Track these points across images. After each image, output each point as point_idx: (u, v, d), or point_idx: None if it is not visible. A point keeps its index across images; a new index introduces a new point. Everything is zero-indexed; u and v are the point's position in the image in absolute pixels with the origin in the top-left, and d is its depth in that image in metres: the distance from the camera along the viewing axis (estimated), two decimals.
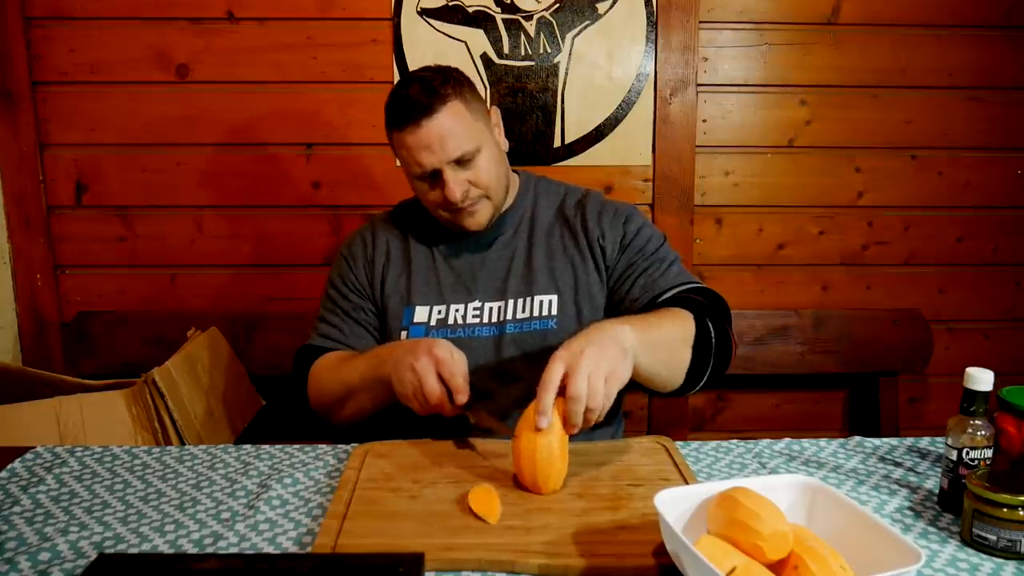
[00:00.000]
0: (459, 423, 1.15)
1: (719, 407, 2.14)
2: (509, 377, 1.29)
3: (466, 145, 1.23)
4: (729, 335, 1.23)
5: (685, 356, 1.16)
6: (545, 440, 0.98)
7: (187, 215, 1.98)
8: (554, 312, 1.30)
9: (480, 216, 1.30)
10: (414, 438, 1.18)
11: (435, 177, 1.25)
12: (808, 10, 1.95)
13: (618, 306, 1.32)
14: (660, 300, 1.24)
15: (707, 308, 1.21)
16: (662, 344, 1.12)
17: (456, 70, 1.29)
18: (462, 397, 1.08)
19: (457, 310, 1.32)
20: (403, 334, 1.31)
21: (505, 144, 1.34)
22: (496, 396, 1.29)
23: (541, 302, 1.30)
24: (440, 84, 1.23)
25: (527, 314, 1.30)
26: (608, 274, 1.34)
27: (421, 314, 1.32)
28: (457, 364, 1.09)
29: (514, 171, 1.41)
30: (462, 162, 1.24)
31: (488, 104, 1.74)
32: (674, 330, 1.15)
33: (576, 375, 0.96)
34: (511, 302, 1.31)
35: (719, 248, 2.05)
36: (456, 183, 1.24)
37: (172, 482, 1.07)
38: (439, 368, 1.07)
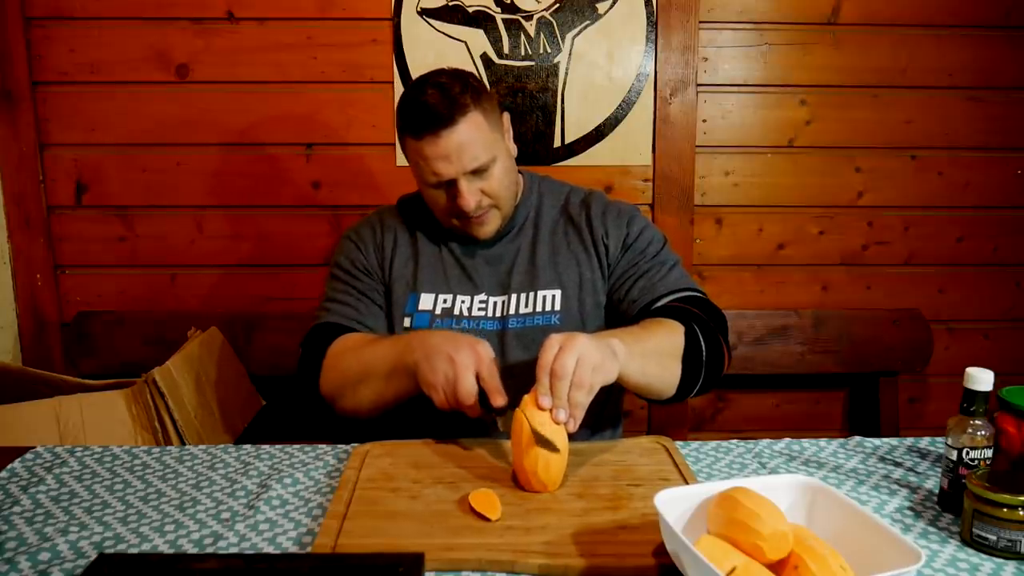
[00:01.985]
0: (477, 424, 1.13)
1: (719, 407, 2.14)
2: (511, 372, 1.28)
3: (483, 156, 1.23)
4: (722, 347, 1.23)
5: (675, 368, 1.17)
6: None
7: (187, 215, 1.98)
8: (557, 307, 1.30)
9: (489, 226, 1.31)
10: (414, 438, 1.18)
11: (449, 186, 1.25)
12: (808, 10, 1.95)
13: (617, 306, 1.32)
14: (655, 307, 1.25)
15: (699, 320, 1.21)
16: (651, 355, 1.13)
17: (472, 76, 1.28)
18: (501, 400, 1.06)
19: (463, 301, 1.32)
20: (407, 320, 1.31)
21: (514, 149, 1.34)
22: None
23: (544, 297, 1.31)
24: (459, 93, 1.21)
25: (530, 309, 1.30)
26: (609, 272, 1.34)
27: (426, 301, 1.31)
28: (495, 366, 1.08)
29: (518, 171, 1.41)
30: (477, 172, 1.24)
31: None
32: (662, 343, 1.16)
33: (566, 353, 0.98)
34: (514, 296, 1.31)
35: (719, 248, 2.05)
36: (470, 193, 1.24)
37: (172, 482, 1.07)
38: (479, 367, 1.06)
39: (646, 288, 1.28)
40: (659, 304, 1.25)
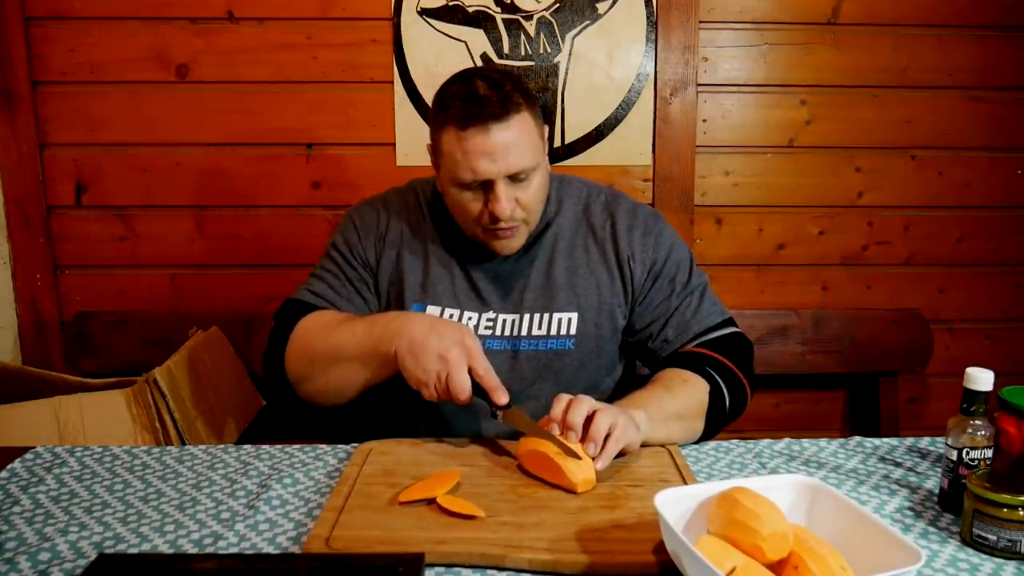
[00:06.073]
0: (475, 420, 1.13)
1: None
2: (521, 395, 1.23)
3: (527, 161, 1.14)
4: (746, 391, 1.23)
5: (699, 426, 1.19)
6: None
7: (187, 215, 1.98)
8: (573, 332, 1.24)
9: (515, 242, 1.21)
10: (411, 436, 1.18)
11: (484, 188, 1.15)
12: (808, 10, 1.95)
13: (646, 342, 1.27)
14: (686, 349, 1.24)
15: (725, 370, 1.21)
16: (674, 420, 1.14)
17: (521, 77, 1.21)
18: (503, 397, 1.04)
19: (470, 318, 1.24)
20: None
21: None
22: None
23: (560, 320, 1.24)
24: (512, 90, 1.13)
25: (544, 331, 1.24)
26: (634, 297, 1.28)
27: (433, 313, 1.24)
28: (485, 357, 1.06)
29: None
30: (516, 178, 1.15)
31: None
32: (687, 405, 1.17)
33: (604, 415, 1.01)
34: (527, 316, 1.24)
35: (719, 248, 2.05)
36: (507, 199, 1.14)
37: (172, 482, 1.07)
38: (471, 361, 1.04)
39: (681, 327, 1.25)
40: (691, 346, 1.23)
